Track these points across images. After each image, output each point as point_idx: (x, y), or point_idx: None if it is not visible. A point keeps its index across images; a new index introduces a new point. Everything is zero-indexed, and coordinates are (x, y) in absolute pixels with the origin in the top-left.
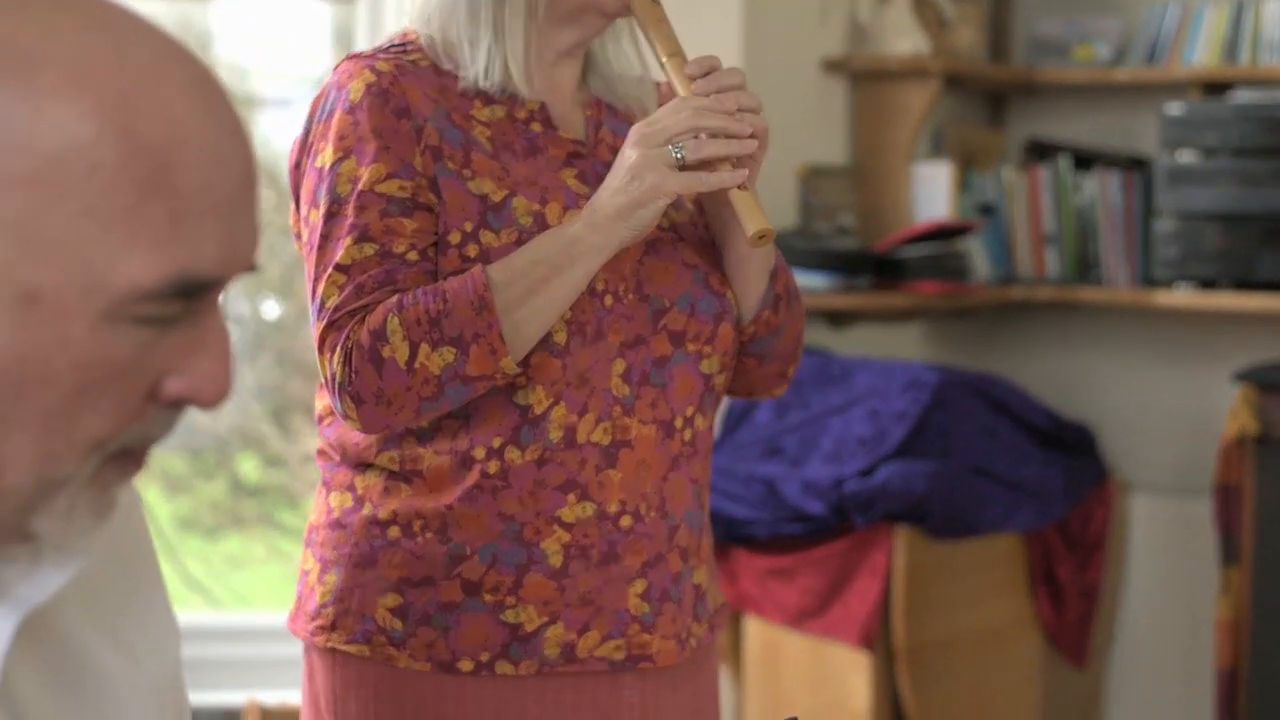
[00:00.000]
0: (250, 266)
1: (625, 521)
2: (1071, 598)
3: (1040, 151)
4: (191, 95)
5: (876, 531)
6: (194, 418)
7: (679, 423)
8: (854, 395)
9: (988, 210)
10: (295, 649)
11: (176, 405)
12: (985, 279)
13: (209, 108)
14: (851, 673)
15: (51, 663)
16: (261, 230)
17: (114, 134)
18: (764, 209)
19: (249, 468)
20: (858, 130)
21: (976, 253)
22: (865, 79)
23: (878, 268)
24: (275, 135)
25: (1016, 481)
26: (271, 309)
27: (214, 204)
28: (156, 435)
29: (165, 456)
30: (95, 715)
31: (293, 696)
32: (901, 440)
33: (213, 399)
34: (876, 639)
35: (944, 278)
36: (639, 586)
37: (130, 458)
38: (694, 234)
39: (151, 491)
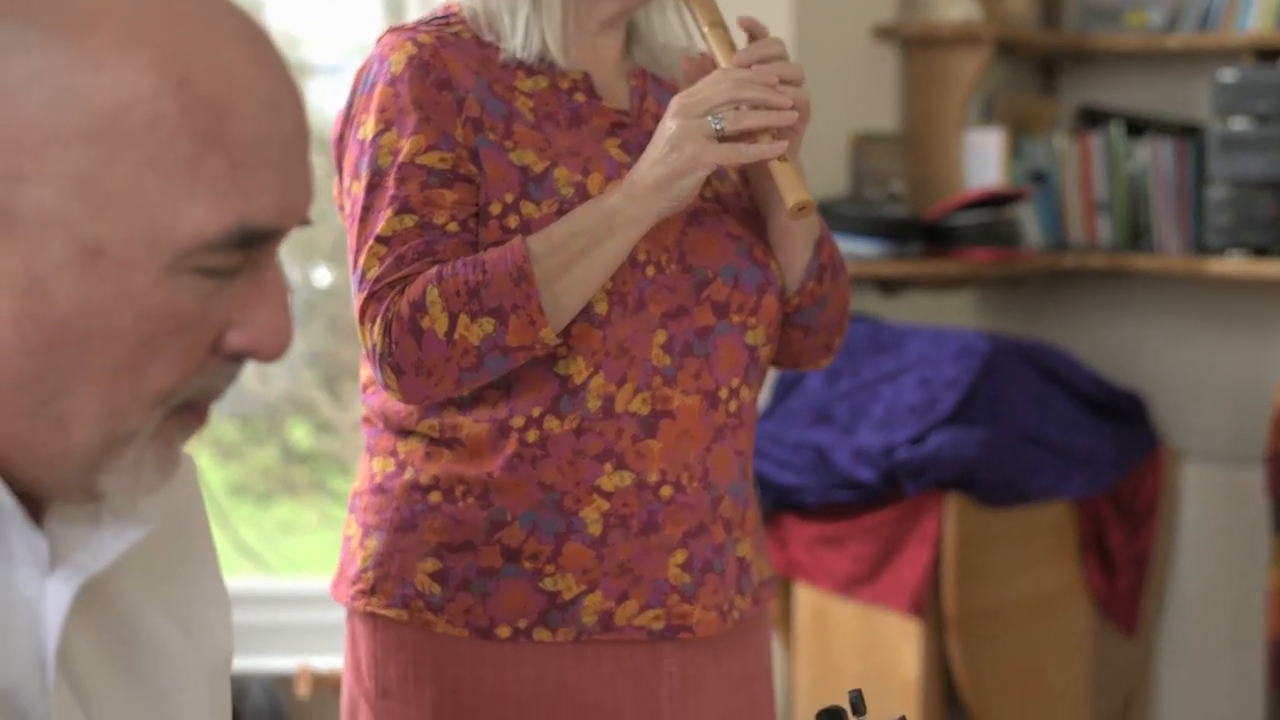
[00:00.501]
0: (305, 220)
1: (666, 491)
2: (1122, 566)
3: (1092, 118)
4: (244, 47)
5: (927, 499)
6: (245, 384)
7: (723, 394)
8: (905, 363)
9: (1039, 177)
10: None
11: (238, 358)
12: (1036, 246)
13: (262, 60)
14: (901, 640)
15: (109, 631)
16: (315, 188)
17: (172, 86)
18: (805, 180)
19: (300, 434)
20: (909, 97)
21: (1028, 220)
22: (916, 45)
23: (929, 235)
24: (326, 103)
25: (1067, 449)
26: (323, 276)
27: (270, 154)
28: (219, 388)
29: (217, 423)
30: (150, 685)
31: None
32: (952, 408)
33: (274, 351)
34: (927, 606)
35: (995, 245)
36: (679, 557)
37: (193, 412)
38: (738, 205)
39: (203, 458)
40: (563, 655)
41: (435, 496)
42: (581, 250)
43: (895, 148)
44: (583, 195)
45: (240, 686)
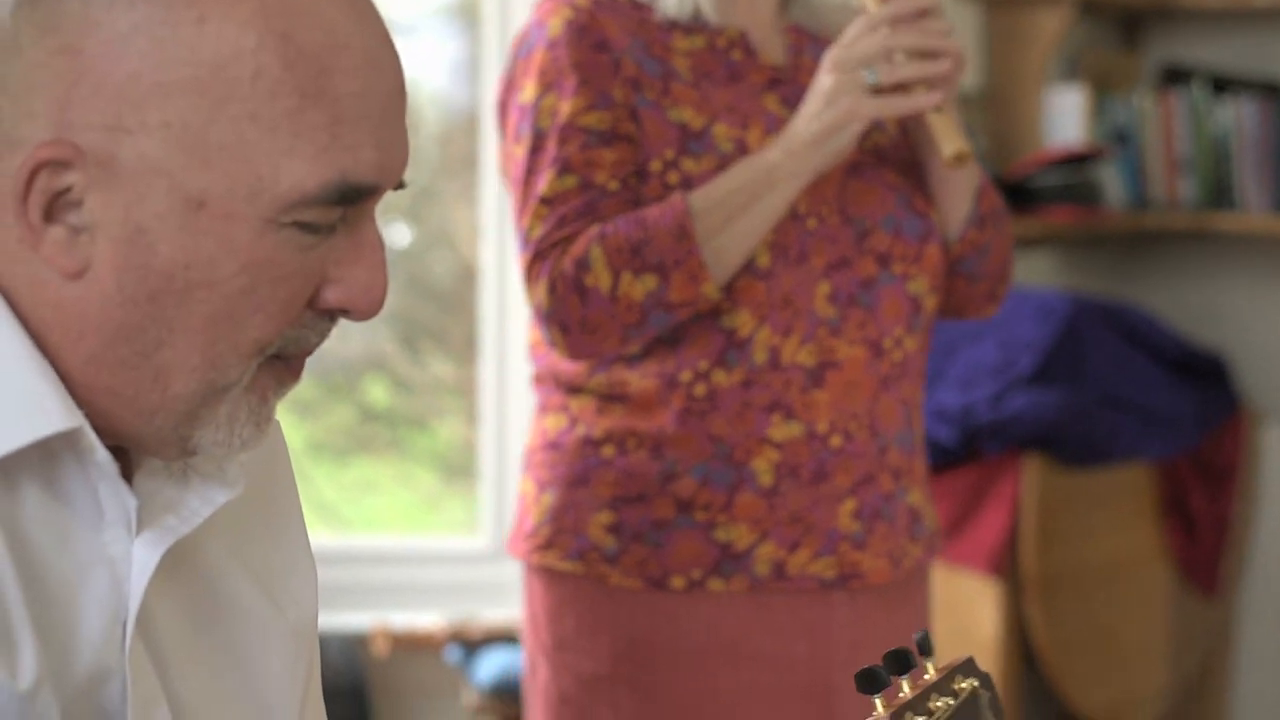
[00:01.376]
0: (401, 182)
1: (835, 441)
2: (1203, 528)
3: (1175, 76)
4: (345, 5)
5: (1005, 459)
6: (324, 342)
7: (888, 344)
8: (986, 323)
9: (1121, 136)
10: (424, 574)
11: (332, 314)
12: (1118, 206)
13: (362, 17)
14: (979, 601)
15: (192, 594)
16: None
17: (274, 41)
18: (962, 129)
19: (378, 393)
20: (990, 55)
21: (1110, 179)
22: (998, 2)
23: (1009, 194)
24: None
25: (1148, 410)
26: (401, 235)
27: (370, 110)
28: (312, 342)
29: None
30: (232, 649)
31: (421, 620)
32: (1032, 368)
33: (368, 309)
34: (1005, 567)
35: (1076, 204)
36: (850, 505)
37: (286, 366)
38: (897, 156)
39: (282, 416)
40: (736, 605)
41: (608, 450)
42: (742, 206)
43: (976, 106)
44: (742, 150)
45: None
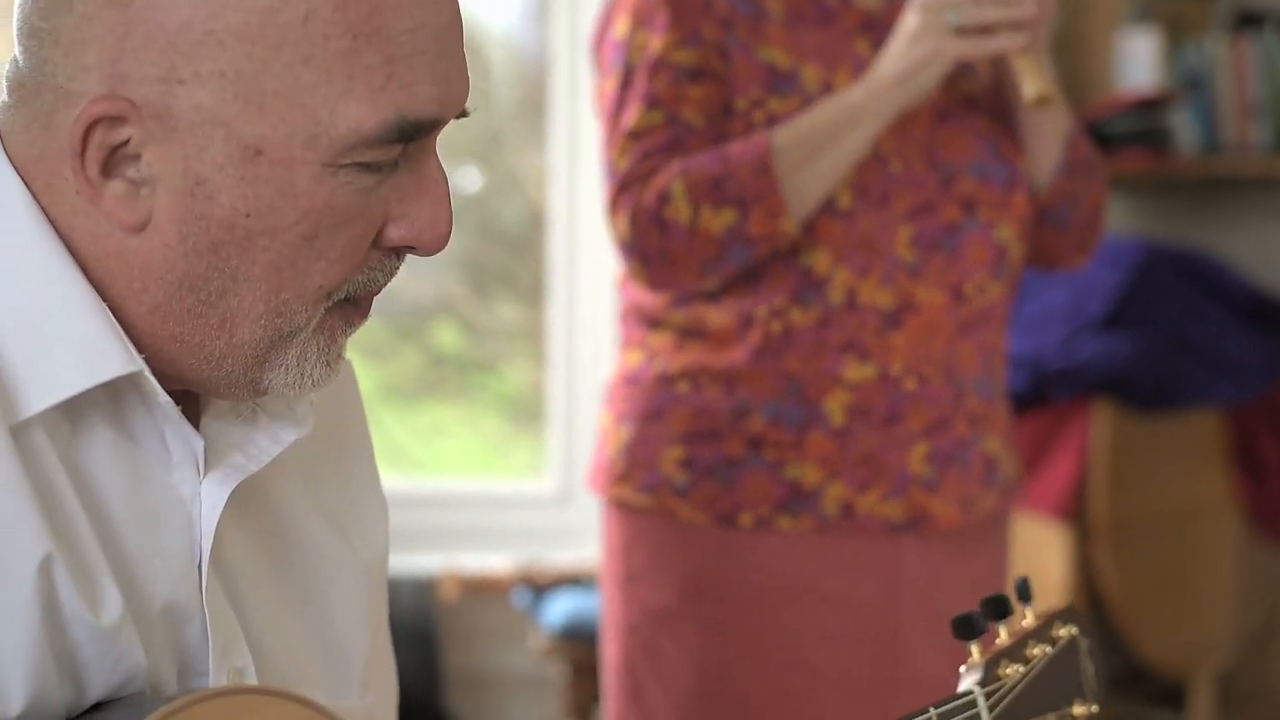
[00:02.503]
0: (463, 111)
1: (909, 384)
2: (1272, 475)
3: (1248, 20)
4: None
5: (1075, 405)
6: (394, 285)
7: (969, 289)
8: None
9: (1194, 81)
10: (492, 518)
11: (398, 252)
12: (1190, 151)
13: None
14: (1048, 547)
15: (264, 532)
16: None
17: None
18: (1048, 73)
19: (447, 337)
20: None
21: (1182, 124)
22: None
23: None
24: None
25: (1219, 356)
26: (471, 180)
27: (425, 45)
28: (380, 282)
29: (365, 325)
30: (304, 587)
31: (490, 563)
32: (1103, 313)
33: (434, 244)
34: (1073, 513)
35: (1148, 149)
36: (921, 449)
37: (354, 307)
38: (988, 103)
39: (353, 361)
40: (804, 544)
41: (682, 386)
42: (823, 143)
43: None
44: (828, 90)
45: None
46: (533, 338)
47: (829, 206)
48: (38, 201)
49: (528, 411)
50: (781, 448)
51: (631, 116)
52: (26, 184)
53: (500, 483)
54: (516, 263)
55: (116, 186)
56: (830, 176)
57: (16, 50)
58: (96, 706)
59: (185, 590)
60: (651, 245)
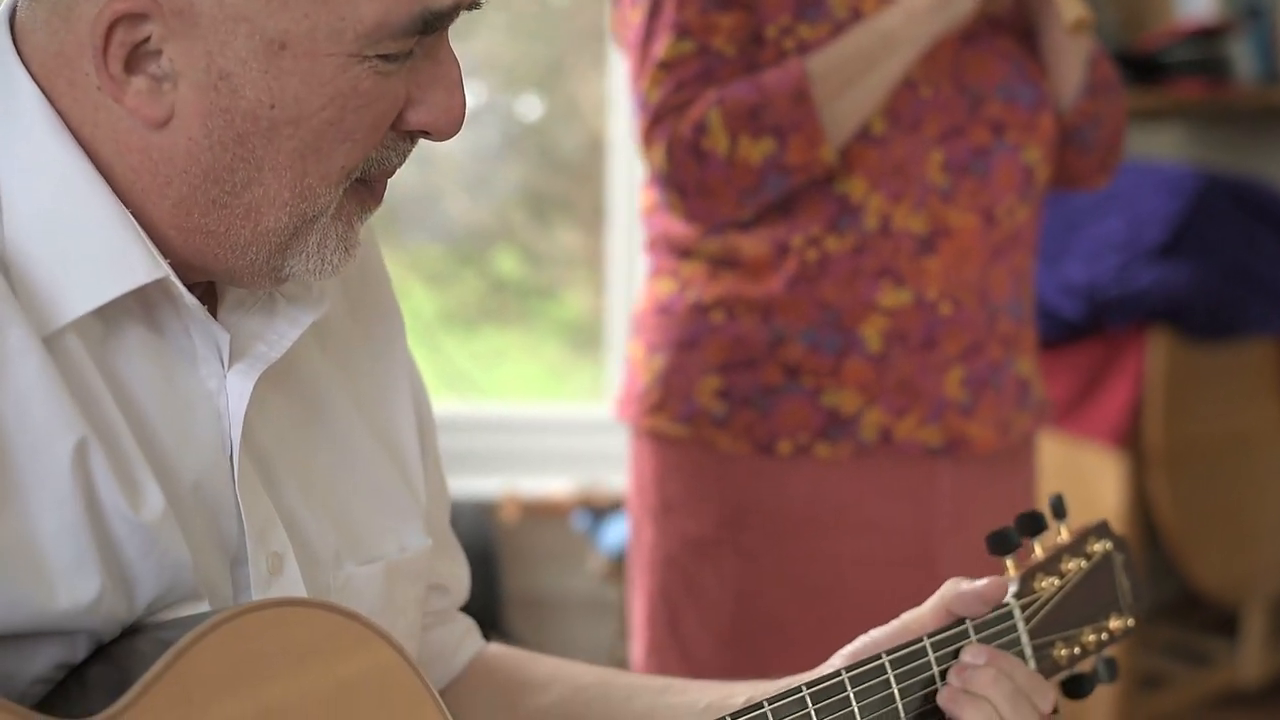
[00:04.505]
0: (476, 1)
1: (945, 309)
2: None
3: None
4: None
5: (1131, 333)
6: (454, 213)
7: (1000, 212)
8: (1112, 196)
9: (1253, 10)
10: (552, 442)
11: (412, 136)
12: (1248, 80)
13: None
14: (1102, 474)
15: (296, 416)
16: None
17: None
18: None
19: (507, 264)
20: None
21: (1240, 53)
22: None
23: (1138, 68)
24: None
25: (1276, 285)
26: (531, 108)
27: None
28: (393, 163)
29: (426, 251)
30: (341, 456)
31: (549, 487)
32: (1159, 242)
33: (449, 128)
34: (1128, 441)
35: (1206, 78)
36: (958, 373)
37: (370, 191)
38: (1011, 24)
39: (414, 286)
40: (842, 471)
41: (717, 316)
42: (860, 70)
43: None
44: (857, 17)
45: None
46: (592, 264)
47: (863, 133)
48: (55, 106)
49: (587, 337)
50: (819, 375)
51: (661, 47)
52: (44, 85)
53: (559, 407)
54: (576, 190)
55: (139, 83)
56: (867, 103)
57: None
58: (153, 619)
59: (220, 481)
60: (689, 177)
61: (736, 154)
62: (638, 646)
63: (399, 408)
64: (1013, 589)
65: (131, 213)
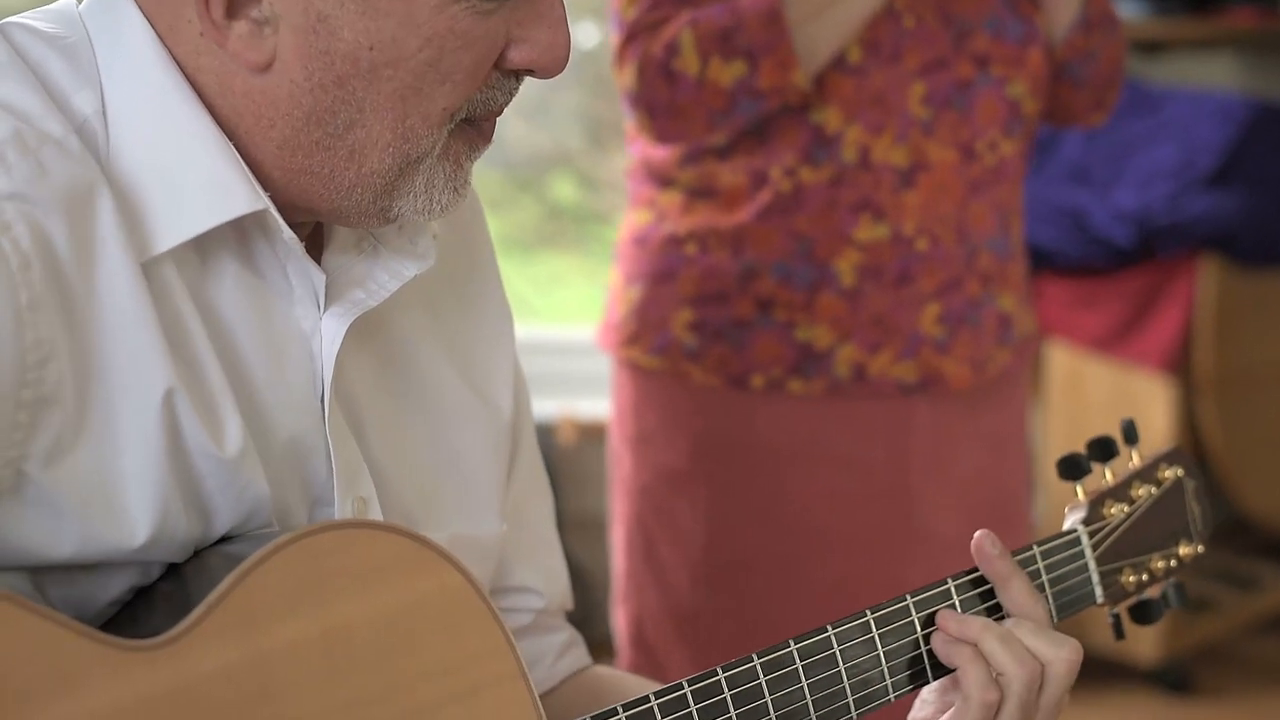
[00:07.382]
0: None
1: (921, 244)
2: None
3: None
4: None
5: (1182, 260)
6: (510, 138)
7: (980, 147)
8: (1163, 124)
9: None
10: (607, 364)
11: (518, 74)
12: None
13: None
14: (1152, 401)
15: (387, 367)
16: None
17: None
18: None
19: (564, 190)
20: None
21: None
22: None
23: None
24: None
25: None
26: (589, 35)
27: None
28: (500, 102)
29: (484, 177)
30: (425, 416)
31: (607, 408)
32: (1210, 170)
33: (554, 66)
34: (1178, 367)
35: (1257, 6)
36: (933, 309)
37: (478, 130)
38: None
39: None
40: (815, 406)
41: (690, 248)
42: None
43: None
44: None
45: None
46: None
47: (839, 62)
48: (163, 42)
49: None
50: (792, 309)
51: None
52: (153, 25)
53: None
54: None
55: (241, 27)
56: (843, 29)
57: None
58: (224, 540)
59: (309, 422)
60: (659, 97)
61: (707, 75)
62: (617, 573)
63: (500, 399)
64: (1081, 515)
65: (236, 150)
